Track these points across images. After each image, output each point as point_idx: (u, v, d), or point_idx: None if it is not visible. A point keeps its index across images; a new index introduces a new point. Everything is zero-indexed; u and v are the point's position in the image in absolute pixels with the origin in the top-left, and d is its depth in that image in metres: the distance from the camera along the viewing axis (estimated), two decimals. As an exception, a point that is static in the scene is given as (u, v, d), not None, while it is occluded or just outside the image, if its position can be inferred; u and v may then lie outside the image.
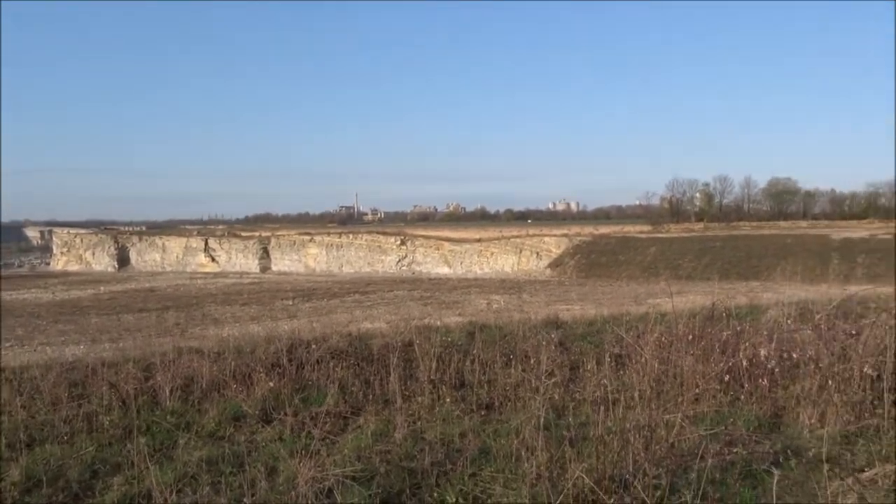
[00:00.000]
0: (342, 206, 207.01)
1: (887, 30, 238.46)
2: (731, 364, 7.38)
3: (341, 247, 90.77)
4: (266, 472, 5.18)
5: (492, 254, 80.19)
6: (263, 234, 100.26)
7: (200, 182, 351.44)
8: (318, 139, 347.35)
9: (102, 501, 4.97)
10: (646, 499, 4.26)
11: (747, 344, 7.76)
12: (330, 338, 10.04)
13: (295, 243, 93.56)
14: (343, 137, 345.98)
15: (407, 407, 6.99)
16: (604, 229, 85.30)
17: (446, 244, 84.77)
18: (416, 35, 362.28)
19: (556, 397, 7.07)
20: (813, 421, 6.25)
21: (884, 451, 5.53)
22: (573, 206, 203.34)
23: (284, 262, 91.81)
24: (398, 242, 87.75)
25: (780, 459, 5.36)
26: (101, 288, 49.13)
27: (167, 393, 7.49)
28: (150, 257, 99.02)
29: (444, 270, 79.58)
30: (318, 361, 8.51)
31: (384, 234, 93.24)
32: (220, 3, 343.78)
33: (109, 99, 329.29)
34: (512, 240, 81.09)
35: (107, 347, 13.54)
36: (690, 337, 7.94)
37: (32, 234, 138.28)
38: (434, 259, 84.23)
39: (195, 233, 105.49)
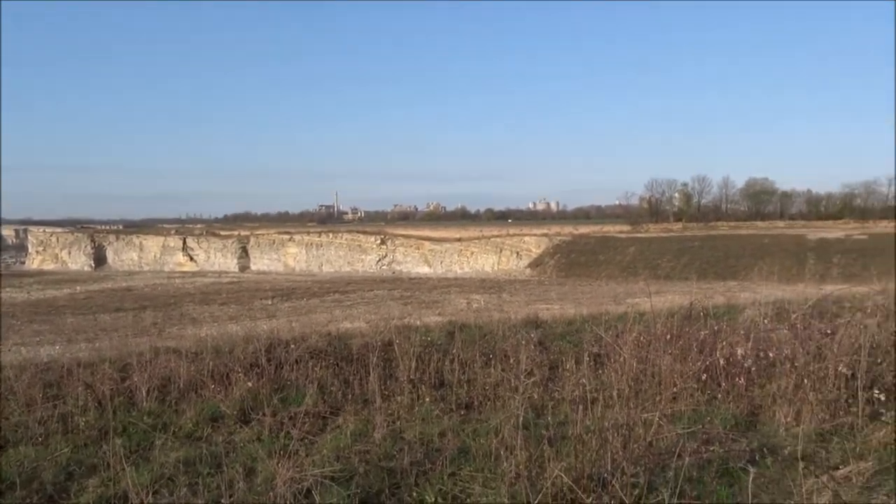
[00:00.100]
0: (322, 205, 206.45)
1: (858, 30, 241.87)
2: (708, 363, 7.44)
3: (321, 246, 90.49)
4: (244, 472, 5.14)
5: (472, 253, 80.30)
6: (242, 233, 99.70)
7: (178, 181, 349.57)
8: (297, 138, 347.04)
9: (78, 503, 4.91)
10: (623, 498, 4.28)
11: (724, 343, 7.83)
12: (309, 337, 9.99)
13: (274, 242, 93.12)
14: (323, 136, 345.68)
15: (386, 406, 6.97)
16: (583, 229, 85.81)
17: (427, 244, 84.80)
18: (396, 34, 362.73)
19: (536, 397, 7.09)
20: (788, 419, 6.32)
21: (858, 449, 5.60)
22: (553, 206, 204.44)
23: (264, 262, 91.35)
24: (378, 242, 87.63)
25: (757, 457, 5.41)
26: (78, 287, 48.48)
27: (144, 393, 7.41)
28: (128, 256, 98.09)
29: (424, 270, 79.56)
30: (297, 361, 8.46)
31: (364, 233, 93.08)
32: (200, 3, 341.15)
33: (85, 96, 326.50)
34: (492, 239, 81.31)
35: (83, 347, 13.36)
36: (668, 336, 8.00)
37: (7, 232, 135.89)
38: (414, 258, 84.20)
39: (173, 232, 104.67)
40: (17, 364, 9.06)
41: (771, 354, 7.51)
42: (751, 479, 4.30)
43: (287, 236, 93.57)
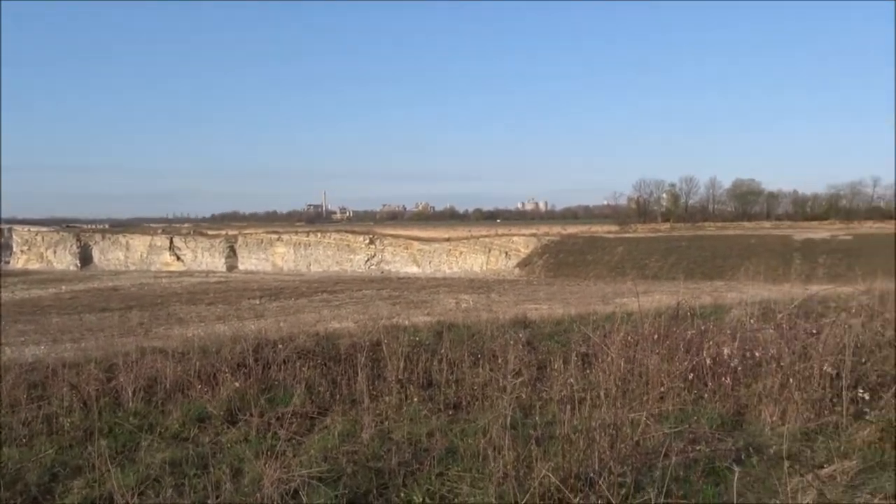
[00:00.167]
0: (310, 205, 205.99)
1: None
2: (695, 363, 7.48)
3: (309, 246, 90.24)
4: (231, 473, 5.12)
5: (461, 253, 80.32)
6: (230, 232, 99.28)
7: (165, 180, 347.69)
8: (285, 138, 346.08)
9: (62, 505, 4.87)
10: (610, 497, 4.30)
11: (711, 343, 7.87)
12: (297, 337, 9.96)
13: (262, 242, 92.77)
14: (311, 136, 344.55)
15: (374, 407, 6.96)
16: (572, 229, 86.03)
17: (415, 243, 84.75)
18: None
19: (524, 396, 7.09)
20: (774, 418, 6.36)
21: (842, 448, 5.65)
22: (542, 206, 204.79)
23: (252, 261, 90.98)
24: (367, 241, 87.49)
25: (742, 456, 5.44)
26: (63, 287, 48.09)
27: (130, 394, 7.37)
28: (114, 256, 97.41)
29: (412, 270, 79.51)
30: (284, 361, 8.44)
31: (353, 232, 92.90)
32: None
33: (70, 95, 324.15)
34: (481, 239, 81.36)
35: (68, 348, 13.27)
36: (656, 336, 8.03)
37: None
38: (403, 258, 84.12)
39: (160, 231, 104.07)
40: (1, 364, 8.97)
41: (757, 354, 7.56)
42: (736, 478, 4.32)
43: (275, 236, 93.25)
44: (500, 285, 40.92)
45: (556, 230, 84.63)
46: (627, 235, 77.15)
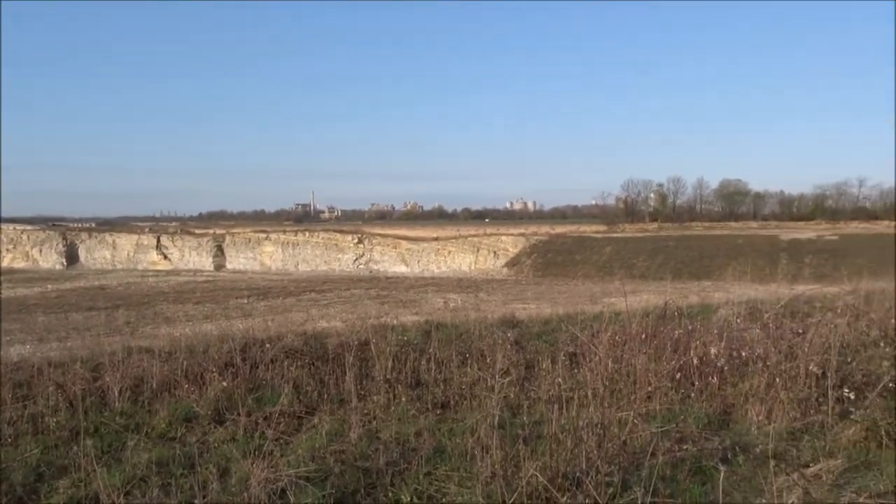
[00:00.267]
0: (298, 204, 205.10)
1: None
2: (682, 362, 7.52)
3: (297, 245, 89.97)
4: (218, 473, 5.09)
5: (449, 253, 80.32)
6: (218, 231, 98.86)
7: (152, 178, 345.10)
8: (273, 137, 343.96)
9: (47, 505, 4.84)
10: (598, 496, 4.31)
11: (698, 342, 7.91)
12: (285, 337, 9.92)
13: (250, 241, 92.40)
14: (299, 135, 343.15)
15: (362, 406, 6.95)
16: (560, 229, 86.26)
17: (404, 243, 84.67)
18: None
19: (512, 396, 7.10)
20: (760, 418, 6.40)
21: (828, 447, 5.69)
22: (530, 206, 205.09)
23: (239, 260, 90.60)
24: (355, 241, 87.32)
25: (729, 456, 5.47)
26: (49, 286, 47.79)
27: (116, 393, 7.32)
28: (100, 255, 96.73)
29: (401, 269, 79.46)
30: (272, 361, 8.41)
31: (341, 232, 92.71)
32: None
33: (55, 92, 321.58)
34: (469, 239, 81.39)
35: (54, 347, 13.19)
36: (643, 336, 8.07)
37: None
38: (391, 258, 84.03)
39: (147, 230, 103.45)
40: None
41: (744, 354, 7.61)
42: (722, 477, 4.35)
43: (263, 235, 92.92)
44: (488, 285, 41.00)
45: (545, 230, 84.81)
46: (615, 235, 77.40)
